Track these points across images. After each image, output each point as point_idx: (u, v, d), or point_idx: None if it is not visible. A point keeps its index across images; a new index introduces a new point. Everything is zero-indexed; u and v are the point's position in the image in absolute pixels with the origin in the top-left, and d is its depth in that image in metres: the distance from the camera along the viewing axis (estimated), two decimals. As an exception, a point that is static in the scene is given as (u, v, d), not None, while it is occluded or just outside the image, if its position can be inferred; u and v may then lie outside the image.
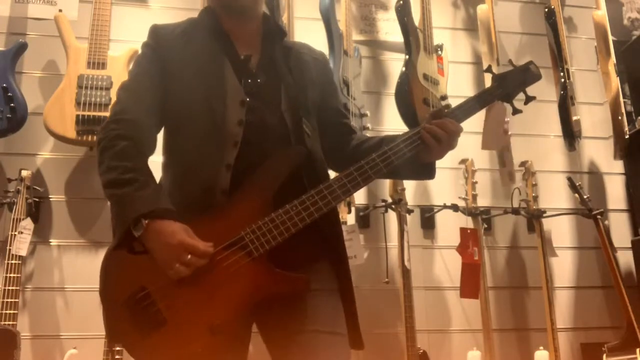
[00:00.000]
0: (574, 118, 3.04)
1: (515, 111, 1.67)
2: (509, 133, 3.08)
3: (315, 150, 1.56)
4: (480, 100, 1.61)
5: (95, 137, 2.58)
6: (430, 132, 1.50)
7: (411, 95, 2.86)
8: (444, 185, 3.10)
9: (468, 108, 1.58)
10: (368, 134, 2.86)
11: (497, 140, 1.80)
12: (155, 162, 1.55)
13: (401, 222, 2.79)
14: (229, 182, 1.43)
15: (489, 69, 1.64)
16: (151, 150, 1.55)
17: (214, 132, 1.46)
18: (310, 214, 1.41)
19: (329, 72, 1.75)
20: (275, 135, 1.51)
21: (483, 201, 3.03)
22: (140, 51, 1.62)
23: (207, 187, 1.43)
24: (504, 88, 1.63)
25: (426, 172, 1.62)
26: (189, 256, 1.32)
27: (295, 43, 1.75)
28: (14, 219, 2.55)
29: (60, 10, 2.83)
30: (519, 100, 1.68)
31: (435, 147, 1.50)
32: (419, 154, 1.52)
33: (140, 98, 1.52)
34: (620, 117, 3.04)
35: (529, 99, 1.66)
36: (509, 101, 1.65)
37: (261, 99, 1.52)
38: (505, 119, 3.03)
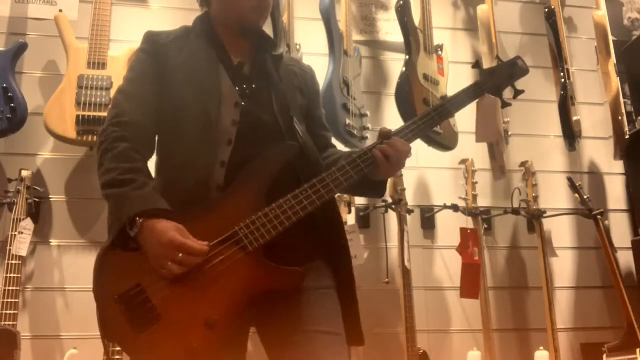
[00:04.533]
0: (574, 118, 3.04)
1: (504, 104, 1.72)
2: (509, 133, 3.09)
3: (308, 146, 1.58)
4: (469, 93, 1.65)
5: (95, 137, 2.61)
6: (381, 150, 1.51)
7: (411, 95, 2.86)
8: (444, 185, 3.10)
9: (459, 100, 1.63)
10: (368, 134, 2.88)
11: (489, 132, 1.84)
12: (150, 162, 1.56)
13: (401, 222, 2.79)
14: (224, 178, 1.45)
15: (476, 64, 1.68)
16: (151, 151, 1.58)
17: (208, 131, 1.49)
18: (303, 208, 1.42)
19: (315, 83, 1.80)
20: (269, 133, 1.54)
21: (483, 201, 3.03)
22: (134, 56, 1.65)
23: (202, 184, 1.45)
24: (492, 81, 1.67)
25: (378, 189, 1.64)
26: (181, 255, 1.33)
27: (283, 55, 1.80)
28: (14, 219, 2.55)
29: (60, 10, 2.84)
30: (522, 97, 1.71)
31: (385, 165, 1.51)
32: (370, 172, 1.53)
33: (137, 100, 1.55)
34: (620, 117, 3.04)
35: (517, 93, 1.71)
36: (498, 94, 1.69)
37: (254, 102, 1.56)
38: (505, 119, 3.06)
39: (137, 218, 1.36)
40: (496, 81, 1.67)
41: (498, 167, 2.81)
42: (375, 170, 1.53)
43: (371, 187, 1.61)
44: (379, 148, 1.52)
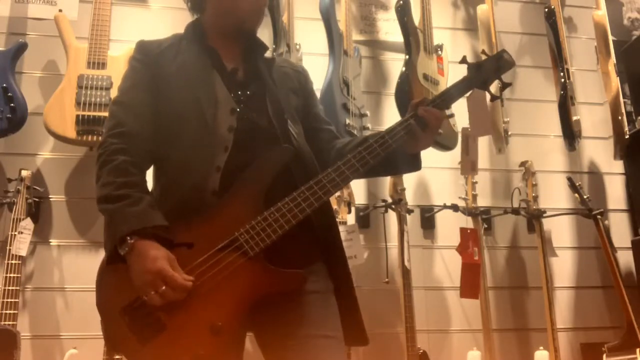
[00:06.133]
0: (574, 118, 3.05)
1: (493, 98, 1.72)
2: (509, 133, 3.09)
3: (303, 148, 1.59)
4: (457, 88, 1.65)
5: (95, 137, 2.61)
6: (417, 120, 1.53)
7: (411, 95, 2.86)
8: (444, 185, 3.10)
9: (447, 97, 1.63)
10: (368, 134, 2.87)
11: (482, 126, 1.85)
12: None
13: (401, 222, 2.79)
14: (219, 183, 1.45)
15: (464, 60, 1.68)
16: (150, 161, 1.57)
17: (205, 138, 1.49)
18: (302, 210, 1.43)
19: (309, 82, 1.80)
20: (265, 138, 1.54)
21: (483, 201, 3.03)
22: (128, 66, 1.64)
23: (197, 189, 1.45)
24: (480, 76, 1.66)
25: (412, 163, 1.64)
26: (164, 288, 1.32)
27: (276, 58, 1.82)
28: (14, 219, 2.55)
29: (60, 10, 2.83)
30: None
31: (421, 135, 1.54)
32: (404, 146, 1.55)
33: (133, 110, 1.54)
34: (620, 117, 3.04)
35: (505, 86, 1.71)
36: (485, 88, 1.69)
37: (250, 108, 1.57)
38: (505, 119, 3.05)
39: (128, 238, 1.36)
40: (484, 75, 1.66)
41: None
42: (411, 143, 1.54)
43: (406, 162, 1.62)
44: (414, 117, 1.53)
